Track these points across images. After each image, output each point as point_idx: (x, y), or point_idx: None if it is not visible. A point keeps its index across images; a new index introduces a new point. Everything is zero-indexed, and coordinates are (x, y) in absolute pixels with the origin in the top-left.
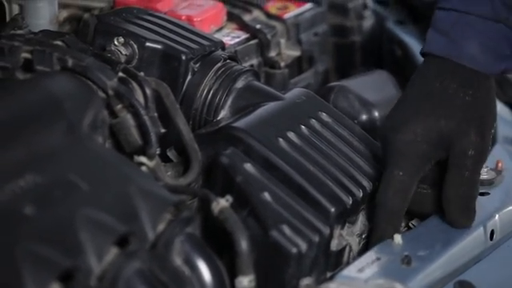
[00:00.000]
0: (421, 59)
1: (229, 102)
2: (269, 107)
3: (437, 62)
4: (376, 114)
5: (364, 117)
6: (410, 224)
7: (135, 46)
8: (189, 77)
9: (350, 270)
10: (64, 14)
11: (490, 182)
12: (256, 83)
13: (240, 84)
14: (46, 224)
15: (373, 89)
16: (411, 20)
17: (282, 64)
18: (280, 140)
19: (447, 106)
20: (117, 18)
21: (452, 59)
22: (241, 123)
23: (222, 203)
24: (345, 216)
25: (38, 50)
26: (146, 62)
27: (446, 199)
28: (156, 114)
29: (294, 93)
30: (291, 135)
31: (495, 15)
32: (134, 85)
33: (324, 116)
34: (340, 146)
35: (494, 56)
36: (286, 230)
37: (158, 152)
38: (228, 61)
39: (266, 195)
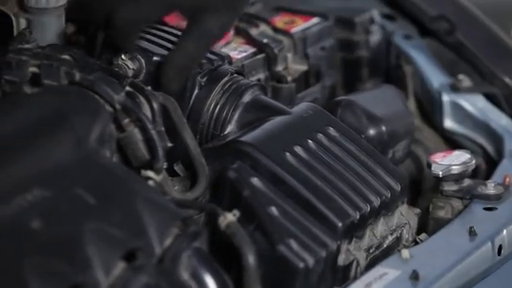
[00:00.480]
0: (428, 73)
1: (236, 117)
2: (276, 121)
3: None
4: (383, 128)
5: (371, 131)
6: (417, 239)
7: (142, 61)
8: (196, 91)
9: (358, 285)
10: (71, 28)
11: (497, 197)
12: (263, 97)
13: (247, 98)
14: (53, 238)
15: (380, 103)
16: (418, 34)
17: (289, 78)
18: (287, 154)
19: None
20: None
21: None
22: (248, 137)
23: (229, 218)
24: (352, 231)
25: (45, 64)
26: (153, 76)
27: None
28: (163, 129)
29: (301, 107)
30: (298, 150)
31: None
32: (142, 99)
33: (331, 130)
34: (347, 160)
35: None
36: (293, 244)
37: (165, 166)
38: (235, 75)
39: (273, 210)
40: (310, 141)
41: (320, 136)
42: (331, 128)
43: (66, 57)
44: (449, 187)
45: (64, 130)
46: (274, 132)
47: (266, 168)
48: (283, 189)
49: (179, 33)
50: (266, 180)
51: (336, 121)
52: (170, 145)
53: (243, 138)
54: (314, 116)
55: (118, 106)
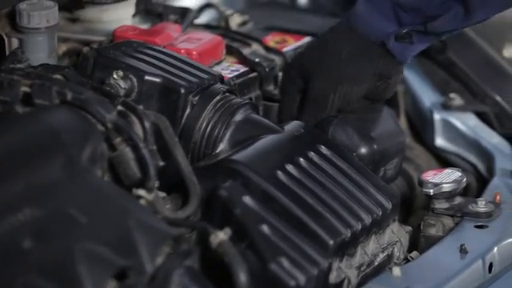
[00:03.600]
0: (419, 92)
1: (227, 135)
2: (267, 140)
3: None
4: (375, 147)
5: (363, 150)
6: (408, 257)
7: (134, 80)
8: (188, 110)
9: None
10: (63, 47)
11: (488, 215)
12: (254, 116)
13: (239, 117)
14: (44, 257)
15: (371, 122)
16: None
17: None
18: (279, 173)
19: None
20: (116, 51)
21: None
22: (239, 156)
23: (220, 236)
24: (343, 249)
25: (37, 84)
26: (145, 95)
27: None
28: (155, 147)
29: (293, 126)
30: (290, 168)
31: None
32: (133, 118)
33: (323, 149)
34: (339, 178)
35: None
36: (285, 262)
37: (156, 185)
38: (227, 94)
39: (265, 228)
40: (301, 159)
41: (311, 154)
42: (322, 146)
43: (58, 76)
44: (440, 205)
45: (56, 150)
46: (266, 150)
47: (258, 186)
48: (275, 207)
49: (172, 54)
50: (258, 198)
51: (327, 139)
52: (161, 164)
53: (235, 157)
54: (306, 134)
55: (109, 125)
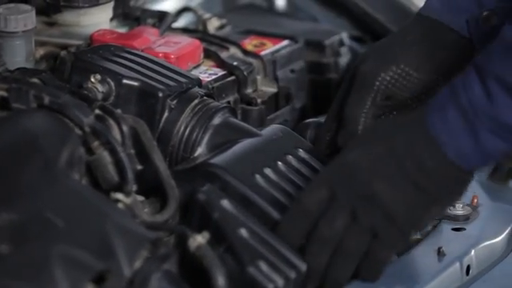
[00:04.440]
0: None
1: (205, 139)
2: (245, 144)
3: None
4: None
5: None
6: None
7: (112, 83)
8: (166, 114)
9: None
10: (41, 51)
11: (465, 218)
12: (233, 120)
13: (217, 121)
14: (21, 262)
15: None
16: None
17: (259, 101)
18: (257, 176)
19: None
20: (94, 55)
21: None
22: (218, 160)
23: (198, 240)
24: None
25: (14, 88)
26: (122, 99)
27: None
28: (133, 151)
29: (271, 129)
30: (268, 171)
31: None
32: (111, 122)
33: (301, 152)
34: None
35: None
36: (263, 266)
37: (134, 189)
38: (205, 98)
39: (243, 231)
40: (279, 163)
41: (290, 158)
42: (301, 150)
43: (35, 80)
44: None
45: (33, 153)
46: (244, 154)
47: (236, 190)
48: (253, 210)
49: (150, 58)
50: (236, 202)
51: (305, 143)
52: (139, 167)
53: (213, 161)
54: (284, 138)
55: (87, 129)
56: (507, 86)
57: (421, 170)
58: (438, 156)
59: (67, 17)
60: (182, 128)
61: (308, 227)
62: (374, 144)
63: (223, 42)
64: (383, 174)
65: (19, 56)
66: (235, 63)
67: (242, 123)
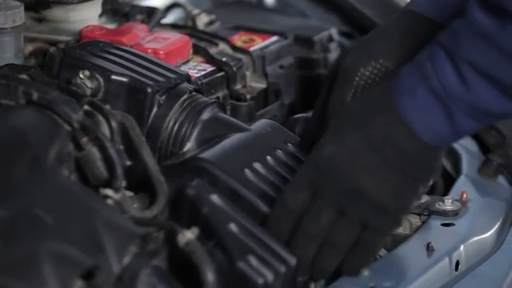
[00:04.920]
0: None
1: (194, 134)
2: (234, 138)
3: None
4: None
5: None
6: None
7: (101, 79)
8: (154, 109)
9: None
10: (29, 47)
11: (455, 213)
12: (221, 115)
13: (206, 116)
14: (10, 258)
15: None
16: None
17: (248, 96)
18: (246, 170)
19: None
20: (82, 51)
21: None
22: (207, 154)
23: (187, 235)
24: None
25: (2, 84)
26: (111, 94)
27: None
28: (122, 147)
29: (260, 124)
30: (257, 166)
31: None
32: (100, 118)
33: (290, 147)
34: None
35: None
36: (253, 260)
37: (123, 185)
38: (194, 93)
39: (233, 226)
40: (268, 157)
41: (279, 152)
42: (290, 145)
43: (24, 76)
44: None
45: (22, 150)
46: (233, 149)
47: (225, 184)
48: (242, 204)
49: (139, 53)
50: (226, 196)
51: (294, 137)
52: (128, 163)
53: (202, 155)
54: (273, 132)
55: (76, 125)
56: (482, 71)
57: (402, 156)
58: (415, 140)
59: (56, 13)
60: (171, 123)
61: (293, 225)
62: (348, 136)
63: (212, 37)
64: (365, 166)
65: (8, 52)
66: (224, 59)
67: (231, 118)
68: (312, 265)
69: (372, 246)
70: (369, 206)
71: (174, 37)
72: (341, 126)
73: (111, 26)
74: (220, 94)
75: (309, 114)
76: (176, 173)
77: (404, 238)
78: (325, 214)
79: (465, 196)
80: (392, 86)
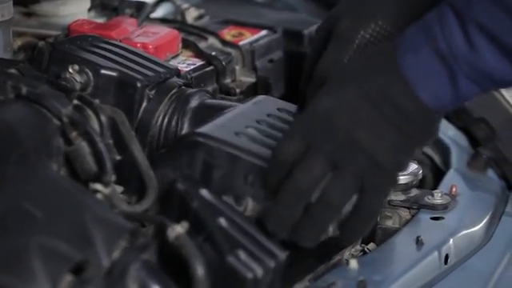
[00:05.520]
0: None
1: (186, 124)
2: (226, 111)
3: None
4: None
5: None
6: (365, 249)
7: (90, 74)
8: (144, 104)
9: None
10: (18, 42)
11: (444, 207)
12: (210, 100)
13: (194, 103)
14: None
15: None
16: None
17: (238, 90)
18: (241, 136)
19: None
20: (71, 45)
21: None
22: (200, 129)
23: (177, 229)
24: None
25: None
26: (101, 89)
27: None
28: (111, 141)
29: (254, 98)
30: (251, 131)
31: None
32: (89, 112)
33: (284, 113)
34: None
35: None
36: (242, 255)
37: (113, 179)
38: (183, 87)
39: (222, 221)
40: (262, 123)
41: (272, 118)
42: (284, 111)
43: (13, 71)
44: (396, 197)
45: (11, 144)
46: (226, 120)
47: (221, 152)
48: (242, 167)
49: (128, 48)
50: (224, 164)
51: (289, 105)
52: (118, 158)
53: (195, 130)
54: (266, 102)
55: (65, 120)
56: (491, 35)
57: (400, 114)
58: (415, 100)
59: (45, 7)
60: (161, 118)
61: (283, 179)
62: (347, 90)
63: (201, 32)
64: (363, 120)
65: None
66: (214, 53)
67: (221, 101)
68: (297, 228)
69: (369, 209)
70: (365, 160)
71: (164, 31)
72: (340, 81)
73: (100, 21)
74: (209, 89)
75: None
76: (171, 155)
77: (393, 232)
78: (317, 167)
79: (454, 190)
80: (396, 45)
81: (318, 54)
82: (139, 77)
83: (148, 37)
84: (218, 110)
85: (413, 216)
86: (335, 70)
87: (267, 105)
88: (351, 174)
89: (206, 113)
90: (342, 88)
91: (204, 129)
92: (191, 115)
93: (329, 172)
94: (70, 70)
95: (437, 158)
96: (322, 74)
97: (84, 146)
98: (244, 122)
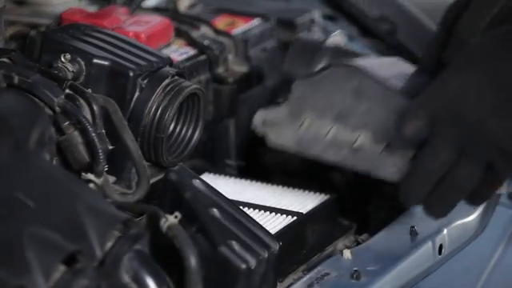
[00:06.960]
0: None
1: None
2: None
3: None
4: None
5: None
6: (359, 239)
7: (82, 63)
8: (137, 93)
9: (299, 286)
10: (10, 31)
11: None
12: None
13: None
14: None
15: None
16: (359, 35)
17: (231, 80)
18: None
19: None
20: (64, 34)
21: None
22: None
23: (170, 220)
24: None
25: None
26: (93, 78)
27: None
28: (104, 131)
29: None
30: None
31: None
32: (82, 101)
33: None
34: None
35: None
36: (235, 245)
37: (105, 169)
38: (176, 77)
39: (215, 211)
40: None
41: None
42: None
43: (5, 60)
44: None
45: (3, 134)
46: None
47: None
48: None
49: (120, 37)
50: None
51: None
52: (110, 147)
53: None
54: None
55: (57, 109)
56: None
57: None
58: None
59: None
60: (154, 108)
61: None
62: (475, 72)
63: (194, 20)
64: (492, 105)
65: None
66: (206, 42)
67: None
68: (426, 203)
69: (493, 188)
70: (495, 150)
71: (156, 20)
72: (468, 61)
73: (92, 9)
74: (202, 78)
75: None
76: None
77: (387, 222)
78: (445, 152)
79: None
80: None
81: (459, 10)
82: (131, 66)
83: (140, 26)
84: None
85: None
86: (465, 46)
87: None
88: (479, 160)
89: None
90: (470, 69)
91: None
92: None
93: (456, 155)
94: (62, 59)
95: None
96: (463, 37)
97: (76, 136)
98: None
